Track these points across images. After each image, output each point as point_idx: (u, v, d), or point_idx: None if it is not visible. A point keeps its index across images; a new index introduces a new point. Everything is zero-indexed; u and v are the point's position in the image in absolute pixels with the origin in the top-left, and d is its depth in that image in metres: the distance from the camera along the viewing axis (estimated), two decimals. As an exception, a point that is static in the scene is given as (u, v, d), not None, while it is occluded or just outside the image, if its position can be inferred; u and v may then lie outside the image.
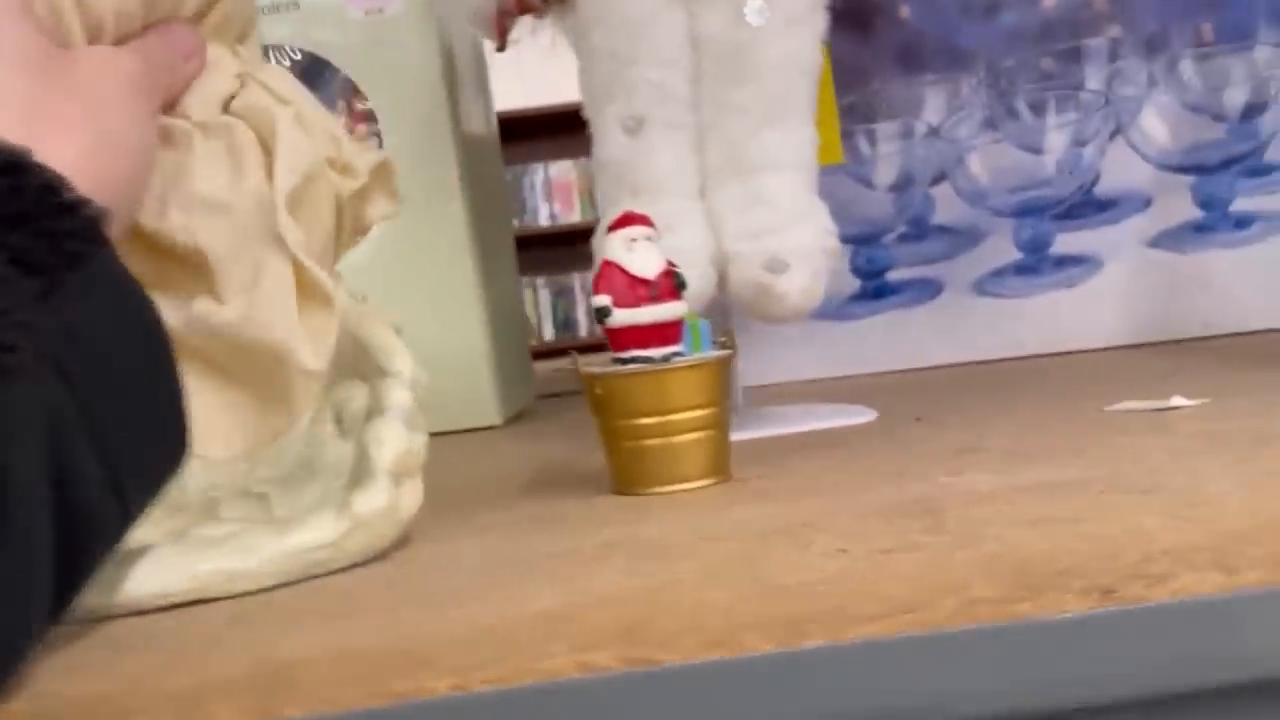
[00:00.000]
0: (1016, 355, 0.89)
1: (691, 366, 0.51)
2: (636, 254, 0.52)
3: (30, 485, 0.22)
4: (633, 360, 0.52)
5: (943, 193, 0.90)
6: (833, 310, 0.93)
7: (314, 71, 0.89)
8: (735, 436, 0.64)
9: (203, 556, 0.39)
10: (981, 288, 0.90)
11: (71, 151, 0.28)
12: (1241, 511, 0.34)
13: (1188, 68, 0.85)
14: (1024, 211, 0.89)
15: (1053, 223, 0.88)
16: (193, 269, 0.42)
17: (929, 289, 0.91)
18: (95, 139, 0.30)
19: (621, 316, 0.51)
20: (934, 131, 0.89)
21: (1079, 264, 0.88)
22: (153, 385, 0.28)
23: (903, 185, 0.91)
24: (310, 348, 0.42)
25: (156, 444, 0.28)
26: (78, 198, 0.25)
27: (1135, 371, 0.74)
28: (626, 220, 0.53)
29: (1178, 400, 0.56)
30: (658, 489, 0.51)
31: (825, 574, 0.33)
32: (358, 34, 0.86)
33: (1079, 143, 0.87)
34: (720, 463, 0.53)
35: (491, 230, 0.93)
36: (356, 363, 0.50)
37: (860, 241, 0.92)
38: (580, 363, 0.53)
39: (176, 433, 0.29)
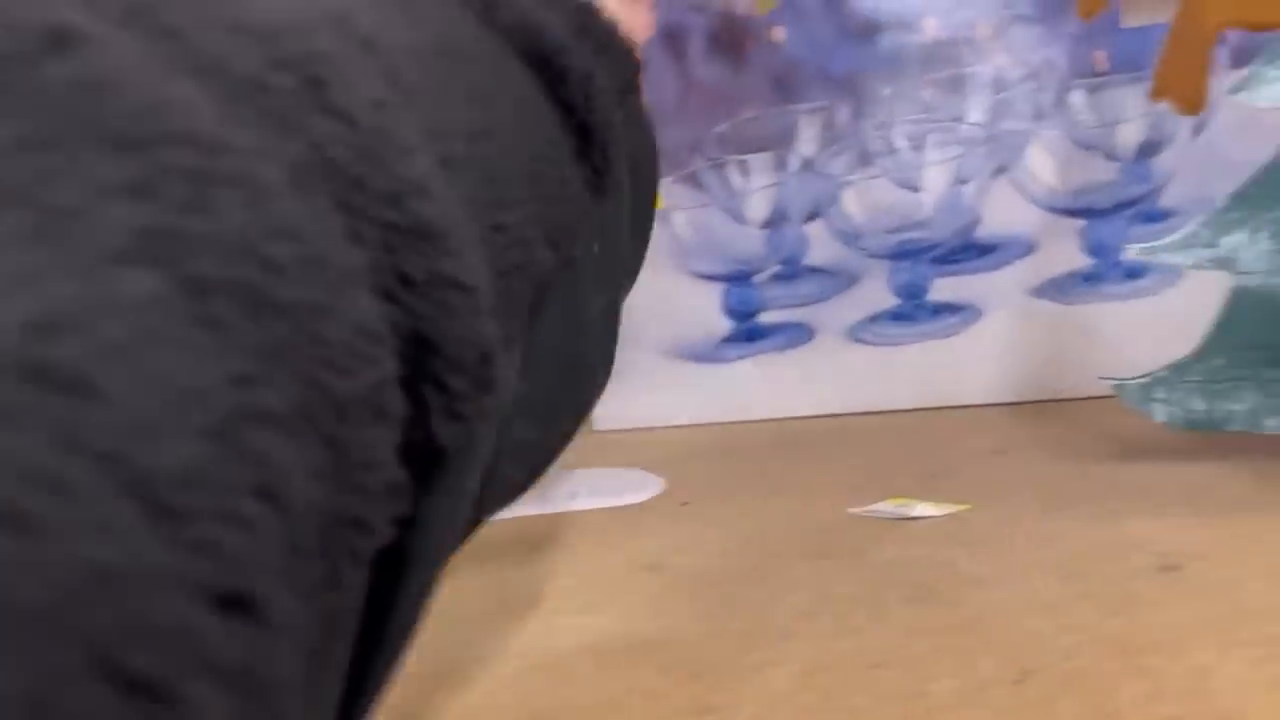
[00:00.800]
0: (889, 409, 0.83)
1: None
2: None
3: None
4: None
5: (817, 231, 0.84)
6: (702, 352, 0.87)
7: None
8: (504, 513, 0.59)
9: None
10: (855, 334, 0.84)
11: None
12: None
13: (1079, 100, 0.77)
14: (901, 254, 0.82)
15: (930, 267, 0.81)
16: None
17: (801, 334, 0.85)
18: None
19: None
20: (808, 165, 0.83)
21: (957, 312, 0.81)
22: (650, 192, 0.30)
23: (776, 222, 0.85)
24: None
25: (644, 240, 0.31)
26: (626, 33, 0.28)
27: (971, 441, 0.67)
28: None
29: (921, 510, 0.50)
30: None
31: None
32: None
33: (960, 181, 0.80)
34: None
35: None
36: None
37: (732, 280, 0.86)
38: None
39: (649, 231, 0.32)
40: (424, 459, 0.16)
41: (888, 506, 0.52)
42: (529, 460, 0.24)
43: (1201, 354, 0.53)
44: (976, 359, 0.81)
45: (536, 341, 0.22)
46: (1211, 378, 0.53)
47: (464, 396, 0.16)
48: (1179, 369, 0.54)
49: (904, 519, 0.50)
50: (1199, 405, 0.53)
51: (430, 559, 0.18)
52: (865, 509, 0.52)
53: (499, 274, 0.19)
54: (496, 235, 0.20)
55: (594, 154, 0.25)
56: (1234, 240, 0.52)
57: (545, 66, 0.25)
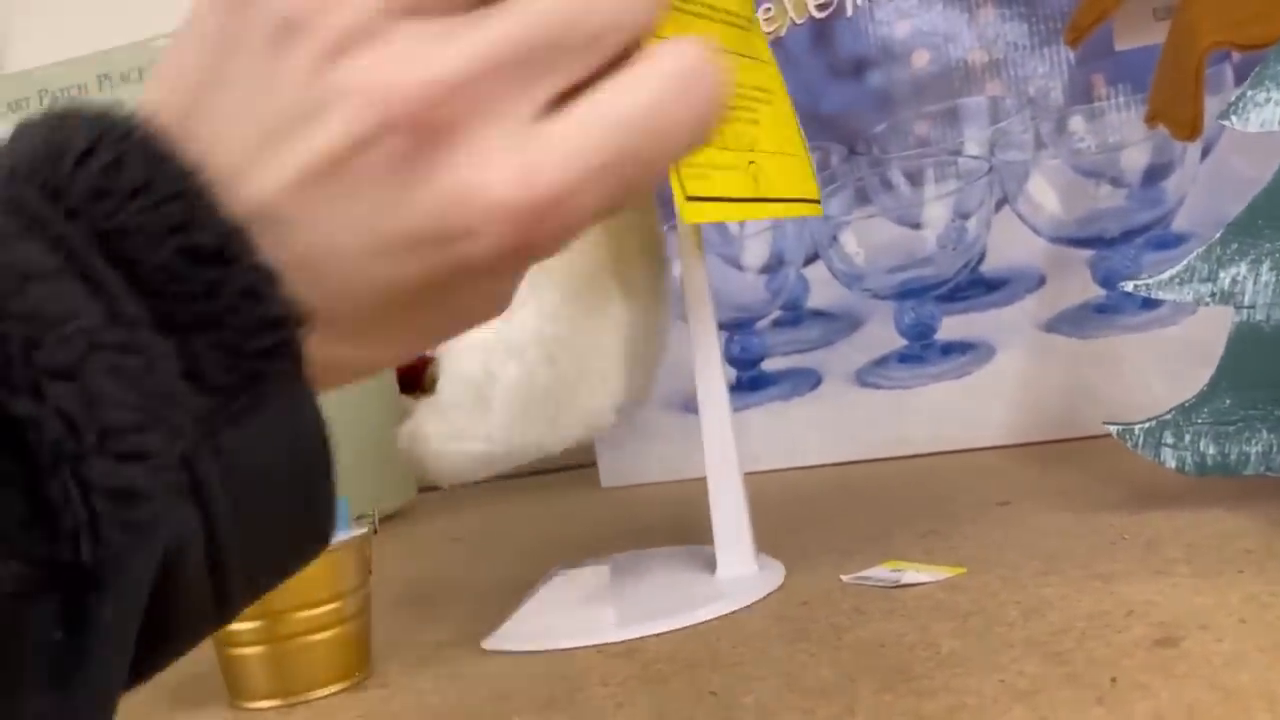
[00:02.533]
0: (901, 454, 0.80)
1: (288, 562, 0.44)
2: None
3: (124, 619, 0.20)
4: (247, 547, 0.46)
5: (817, 274, 0.81)
6: (708, 403, 0.84)
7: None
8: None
9: None
10: (863, 378, 0.81)
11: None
12: None
13: (1079, 125, 0.74)
14: (905, 293, 0.79)
15: (937, 305, 0.79)
16: None
17: (808, 380, 0.82)
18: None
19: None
20: (804, 206, 0.80)
21: (967, 351, 0.78)
22: (300, 501, 0.23)
23: (774, 266, 0.82)
24: None
25: (285, 550, 0.24)
26: (279, 310, 0.21)
27: (977, 491, 0.64)
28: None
29: (912, 576, 0.47)
30: (261, 703, 0.45)
31: None
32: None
33: (961, 215, 0.77)
34: (349, 664, 0.46)
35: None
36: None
37: (733, 328, 0.84)
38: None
39: (314, 537, 0.25)
40: None
41: (881, 571, 0.49)
42: None
43: (1209, 394, 0.50)
44: (990, 399, 0.77)
45: None
46: (1220, 419, 0.50)
47: None
48: (1186, 411, 0.51)
49: (895, 586, 0.47)
50: (1210, 449, 0.50)
51: None
52: (857, 576, 0.49)
53: None
54: None
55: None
56: (1234, 273, 0.49)
57: None
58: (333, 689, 0.45)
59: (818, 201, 0.52)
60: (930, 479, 0.71)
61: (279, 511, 0.23)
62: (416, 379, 1.44)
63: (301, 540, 0.24)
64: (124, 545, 0.19)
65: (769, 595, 0.49)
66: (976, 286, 0.78)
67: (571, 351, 0.48)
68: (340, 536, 0.46)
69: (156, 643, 0.22)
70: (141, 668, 0.22)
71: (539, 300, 0.48)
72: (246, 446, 0.21)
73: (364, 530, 0.47)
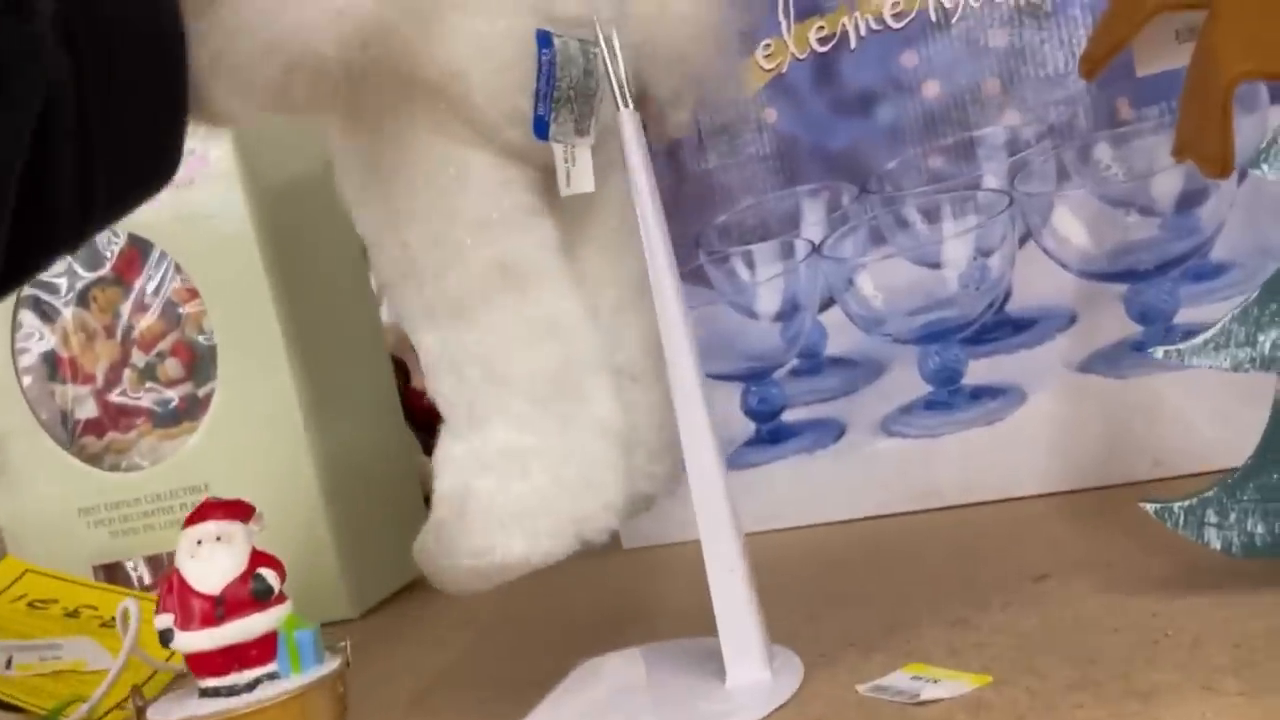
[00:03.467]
0: (931, 507, 0.75)
1: (249, 714, 0.41)
2: (200, 562, 0.43)
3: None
4: (212, 692, 0.43)
5: (834, 319, 0.77)
6: (728, 459, 0.80)
7: (143, 252, 0.84)
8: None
9: None
10: (888, 427, 0.76)
11: None
12: None
13: (1104, 153, 0.69)
14: (928, 337, 0.75)
15: (962, 348, 0.74)
16: None
17: (830, 430, 0.78)
18: None
19: (184, 641, 0.43)
20: (816, 250, 0.77)
21: (997, 396, 0.74)
22: (155, 91, 0.27)
23: (789, 313, 0.78)
24: None
25: (142, 156, 0.28)
26: None
27: (1012, 559, 0.59)
28: (198, 515, 0.44)
29: (931, 692, 0.43)
30: None
31: None
32: (169, 208, 0.80)
33: (983, 252, 0.73)
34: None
35: (346, 386, 0.84)
36: None
37: (750, 379, 0.80)
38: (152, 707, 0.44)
39: (165, 150, 0.29)
40: None
41: (901, 680, 0.45)
42: None
43: (1253, 468, 0.46)
44: (1023, 446, 0.73)
45: None
46: (1269, 495, 0.45)
47: None
48: (1230, 487, 0.46)
49: (914, 701, 0.43)
50: (1259, 528, 0.46)
51: None
52: (874, 686, 0.45)
53: None
54: None
55: None
56: (1274, 336, 0.44)
57: None
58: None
59: None
60: (962, 540, 0.66)
61: (140, 79, 0.25)
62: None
63: (158, 107, 0.26)
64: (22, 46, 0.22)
65: (781, 708, 0.46)
66: (1003, 327, 0.73)
67: (546, 461, 0.45)
68: (310, 674, 0.43)
69: (33, 216, 0.25)
70: (17, 253, 0.25)
71: (505, 411, 0.44)
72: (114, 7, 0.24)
73: (336, 664, 0.44)
